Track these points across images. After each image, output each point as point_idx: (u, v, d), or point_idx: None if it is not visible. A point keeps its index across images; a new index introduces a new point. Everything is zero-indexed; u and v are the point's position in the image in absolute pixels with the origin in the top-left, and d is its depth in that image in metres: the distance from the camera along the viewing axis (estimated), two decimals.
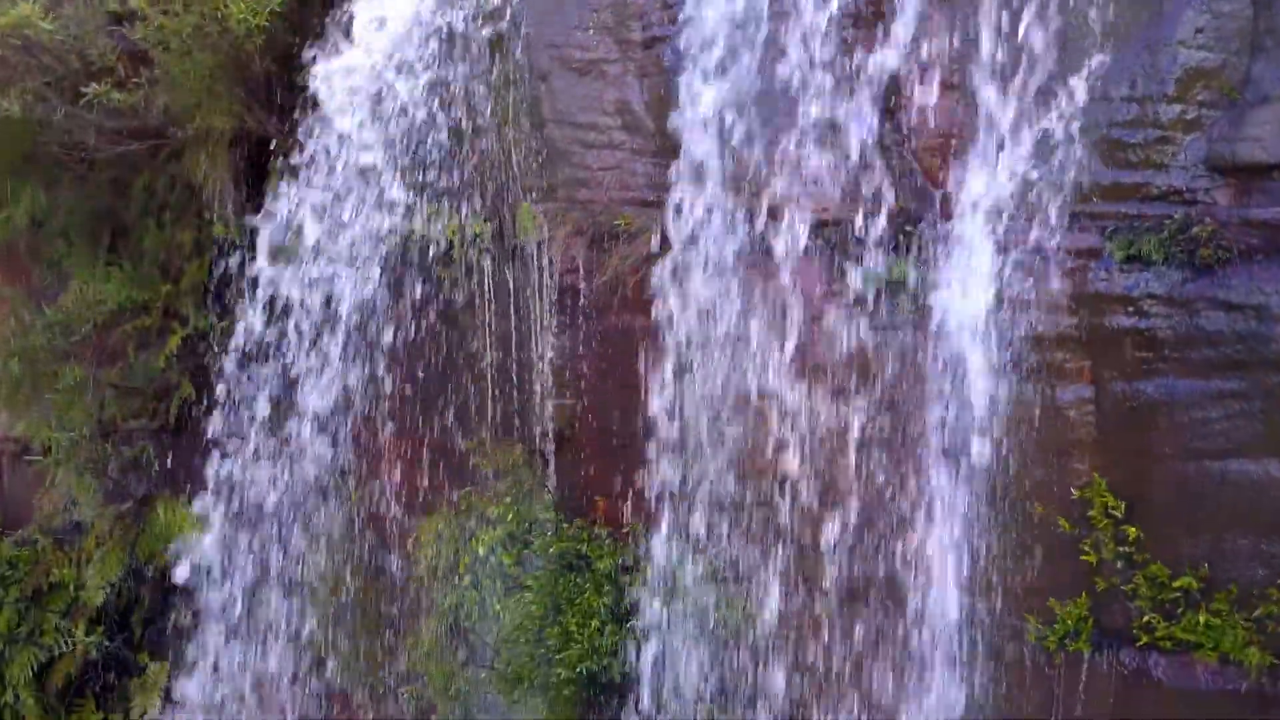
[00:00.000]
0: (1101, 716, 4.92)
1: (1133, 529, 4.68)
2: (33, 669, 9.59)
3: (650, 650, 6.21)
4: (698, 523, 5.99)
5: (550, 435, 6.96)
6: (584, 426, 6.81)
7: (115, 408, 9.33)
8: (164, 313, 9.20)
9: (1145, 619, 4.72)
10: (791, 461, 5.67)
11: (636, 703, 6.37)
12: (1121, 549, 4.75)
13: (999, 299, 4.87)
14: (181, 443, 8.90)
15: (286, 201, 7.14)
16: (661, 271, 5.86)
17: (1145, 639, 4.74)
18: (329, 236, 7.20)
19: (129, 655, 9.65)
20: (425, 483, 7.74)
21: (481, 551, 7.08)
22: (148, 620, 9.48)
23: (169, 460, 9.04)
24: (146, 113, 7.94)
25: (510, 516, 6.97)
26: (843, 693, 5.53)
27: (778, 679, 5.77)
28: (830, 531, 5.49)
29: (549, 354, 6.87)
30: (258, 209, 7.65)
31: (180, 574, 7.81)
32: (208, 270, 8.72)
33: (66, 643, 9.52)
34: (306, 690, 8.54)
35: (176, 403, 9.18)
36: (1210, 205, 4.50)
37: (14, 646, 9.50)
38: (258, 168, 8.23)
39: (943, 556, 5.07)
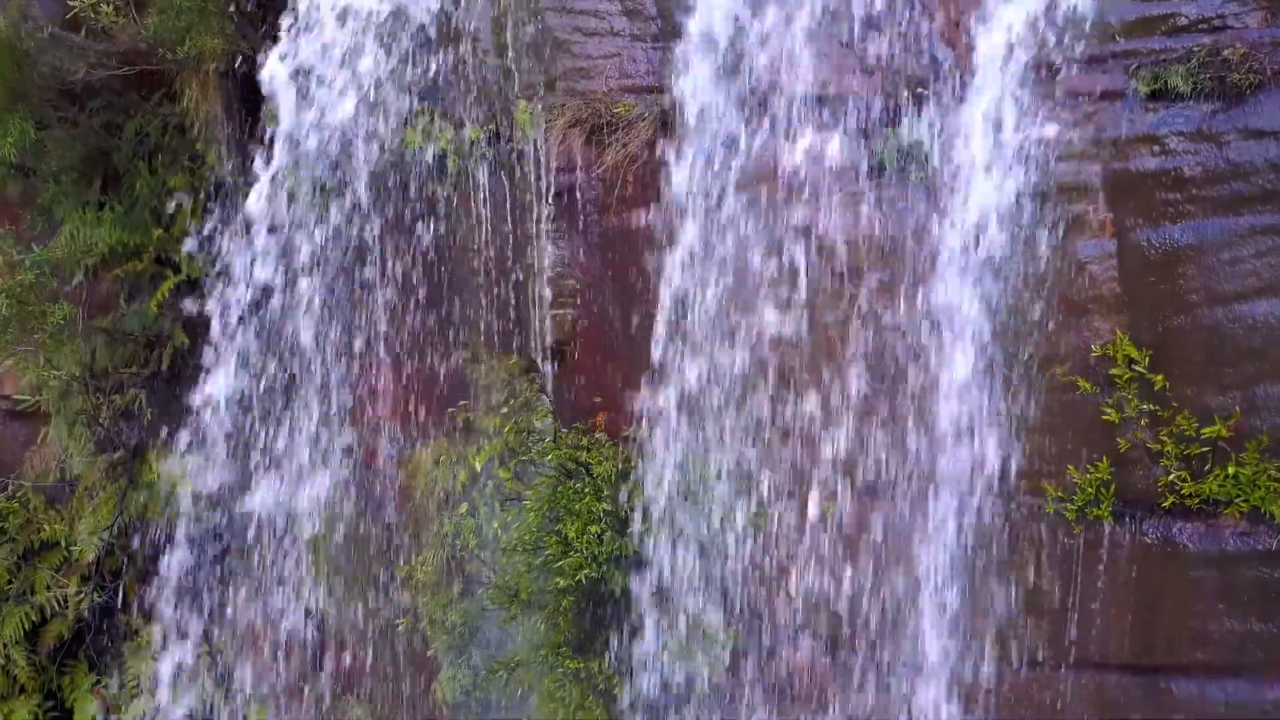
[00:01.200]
0: (1124, 588, 4.69)
1: (1159, 377, 4.45)
2: (24, 629, 9.41)
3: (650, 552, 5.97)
4: (700, 420, 5.75)
5: (548, 346, 6.75)
6: (582, 335, 6.61)
7: (106, 355, 9.16)
8: (156, 259, 9.04)
9: (1170, 478, 4.49)
10: (798, 346, 5.45)
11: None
12: (1145, 405, 4.53)
13: (1016, 155, 4.64)
14: (174, 391, 8.69)
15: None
16: (661, 155, 5.64)
17: (1171, 499, 4.52)
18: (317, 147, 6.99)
19: (121, 617, 9.47)
20: (420, 409, 7.54)
21: (478, 466, 6.85)
22: (140, 581, 9.28)
23: (161, 409, 8.79)
24: (136, 36, 7.74)
25: (507, 429, 6.74)
26: (853, 577, 5.31)
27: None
28: (838, 410, 5.26)
29: (547, 262, 6.66)
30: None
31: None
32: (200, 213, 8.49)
33: (59, 601, 9.33)
34: (299, 633, 8.36)
35: (169, 350, 9.02)
36: (1241, 30, 4.31)
37: (5, 605, 9.29)
38: (251, 101, 8.02)
39: (955, 428, 4.83)
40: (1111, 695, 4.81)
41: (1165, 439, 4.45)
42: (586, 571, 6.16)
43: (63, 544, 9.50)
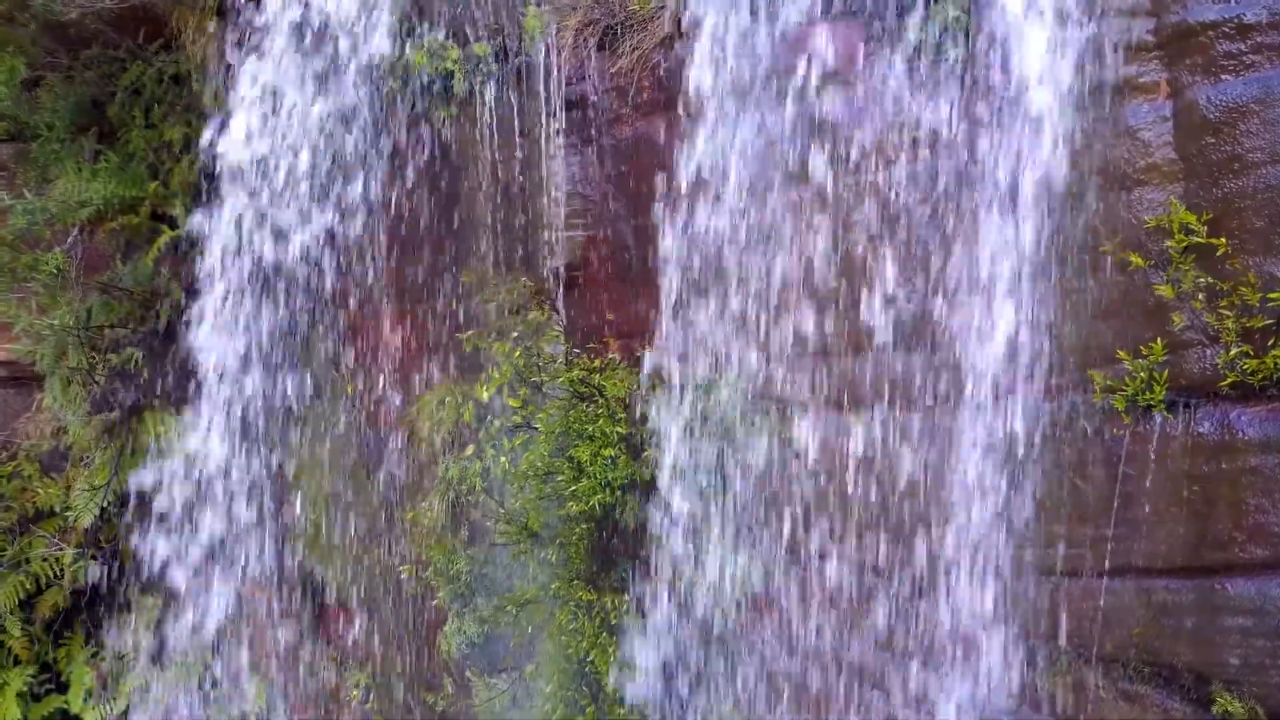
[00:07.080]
0: (1175, 485, 4.37)
1: (1220, 241, 4.12)
2: (19, 598, 9.16)
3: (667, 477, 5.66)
4: (726, 328, 5.45)
5: (559, 268, 6.45)
6: (595, 256, 6.32)
7: (102, 312, 8.93)
8: (152, 215, 8.82)
9: (1231, 354, 4.16)
10: (827, 243, 5.15)
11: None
12: (1203, 279, 4.21)
13: (1064, 15, 4.32)
14: (171, 349, 8.46)
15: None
16: (683, 50, 5.33)
17: (1231, 378, 4.20)
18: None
19: (117, 588, 9.22)
20: (425, 349, 7.26)
21: (486, 398, 6.52)
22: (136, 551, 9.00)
23: (158, 367, 8.56)
24: None
25: (517, 354, 6.42)
26: (891, 482, 4.99)
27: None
28: (874, 311, 4.95)
29: (558, 181, 6.36)
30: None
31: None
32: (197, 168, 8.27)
33: (55, 571, 9.08)
34: (298, 598, 8.11)
35: (166, 307, 8.78)
36: None
37: None
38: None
39: (993, 313, 4.51)
40: (1160, 600, 4.48)
41: (1225, 312, 4.13)
42: (600, 497, 5.85)
43: (58, 511, 9.24)
